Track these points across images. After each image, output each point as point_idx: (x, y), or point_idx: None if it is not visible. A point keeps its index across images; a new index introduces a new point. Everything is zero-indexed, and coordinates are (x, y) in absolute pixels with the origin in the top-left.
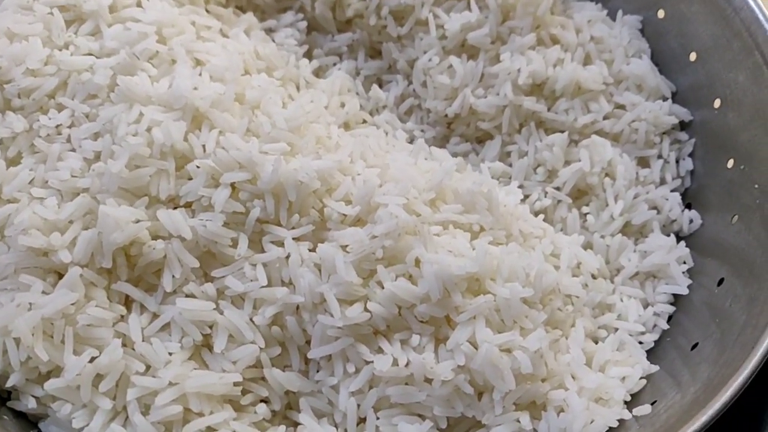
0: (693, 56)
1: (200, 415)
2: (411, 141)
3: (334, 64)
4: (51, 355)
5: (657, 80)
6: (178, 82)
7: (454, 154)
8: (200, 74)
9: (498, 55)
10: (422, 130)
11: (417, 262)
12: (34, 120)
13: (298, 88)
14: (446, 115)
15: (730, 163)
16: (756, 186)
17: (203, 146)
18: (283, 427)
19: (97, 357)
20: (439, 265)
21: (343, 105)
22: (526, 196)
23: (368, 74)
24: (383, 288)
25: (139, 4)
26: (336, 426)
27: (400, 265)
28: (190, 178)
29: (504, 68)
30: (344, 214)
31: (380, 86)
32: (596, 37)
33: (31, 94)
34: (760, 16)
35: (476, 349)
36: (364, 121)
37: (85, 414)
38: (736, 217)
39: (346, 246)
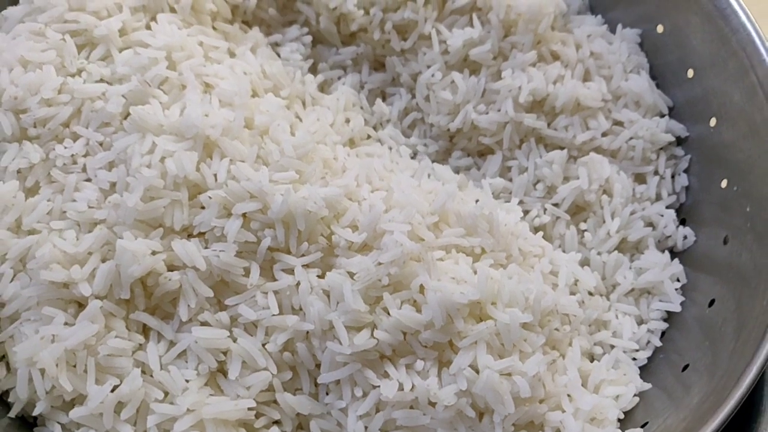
0: (690, 73)
1: None
2: (414, 155)
3: (339, 78)
4: (74, 385)
5: (654, 96)
6: (189, 111)
7: (456, 169)
8: (210, 99)
9: (500, 71)
10: (425, 144)
11: (421, 288)
12: (50, 149)
13: (304, 105)
14: (448, 130)
15: (724, 183)
16: (748, 208)
17: (215, 175)
18: None
19: (118, 385)
20: (442, 293)
21: (348, 121)
22: (526, 212)
23: (372, 87)
24: (389, 315)
25: (148, 27)
26: None
27: (405, 292)
28: (203, 207)
29: (505, 85)
30: (351, 241)
31: (384, 99)
32: (596, 53)
33: (46, 123)
34: (756, 39)
35: (477, 373)
36: (369, 137)
37: None
38: (728, 236)
39: (354, 273)
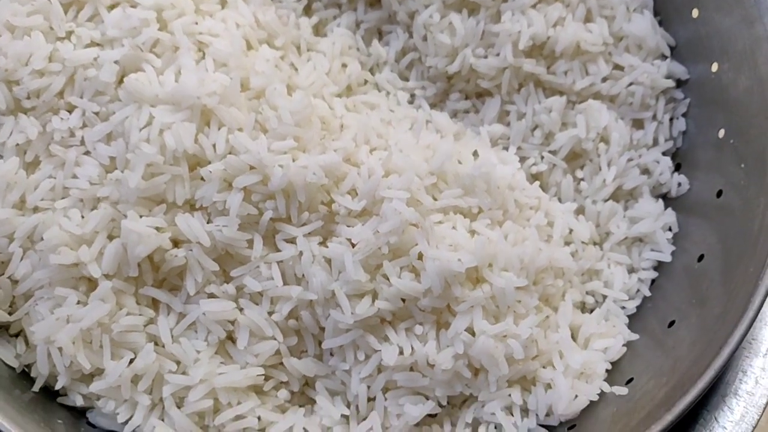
0: (695, 12)
1: (229, 405)
2: (412, 99)
3: (334, 18)
4: (92, 361)
5: (657, 38)
6: (184, 79)
7: (454, 112)
8: (204, 61)
9: (499, 13)
10: (423, 87)
11: (420, 256)
12: (47, 121)
13: (299, 50)
14: (446, 72)
15: (721, 133)
16: (742, 165)
17: (213, 146)
18: (301, 409)
19: (133, 359)
20: (440, 261)
21: (344, 66)
22: (523, 160)
23: (368, 26)
24: (389, 283)
25: None
26: (348, 404)
27: (404, 258)
28: (203, 178)
29: (505, 29)
30: (351, 209)
31: (380, 38)
32: None
33: (40, 94)
34: None
35: (473, 336)
36: (366, 82)
37: (127, 408)
38: (722, 191)
39: (354, 243)
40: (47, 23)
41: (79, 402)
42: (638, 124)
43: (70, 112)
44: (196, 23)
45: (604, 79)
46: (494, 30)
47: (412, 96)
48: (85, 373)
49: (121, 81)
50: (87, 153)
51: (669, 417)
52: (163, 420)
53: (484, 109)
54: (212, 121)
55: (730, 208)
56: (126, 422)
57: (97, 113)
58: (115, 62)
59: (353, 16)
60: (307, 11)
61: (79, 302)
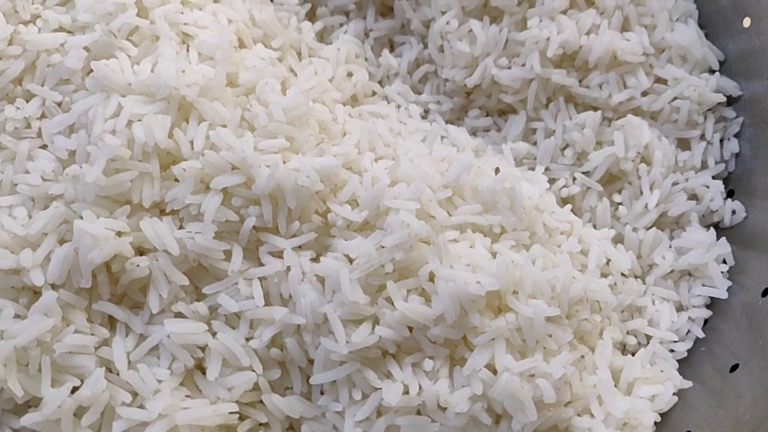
0: (747, 22)
1: None
2: (426, 114)
3: (341, 25)
4: (27, 387)
5: (703, 50)
6: (161, 67)
7: (473, 129)
8: (187, 50)
9: (525, 20)
10: (438, 102)
11: (431, 276)
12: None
13: (299, 57)
14: (465, 86)
15: None
16: None
17: (191, 143)
18: None
19: (78, 387)
20: (455, 282)
21: (350, 75)
22: (552, 182)
23: (378, 36)
24: (393, 306)
25: None
26: None
27: (412, 279)
28: (176, 180)
29: (531, 36)
30: (350, 220)
31: (392, 49)
32: None
33: None
34: None
35: (495, 374)
36: (374, 93)
37: None
38: None
39: (352, 258)
40: (11, 4)
41: None
42: (684, 144)
43: (27, 101)
44: (182, 13)
45: (645, 94)
46: (519, 38)
47: (426, 112)
48: (18, 403)
49: (90, 71)
50: (44, 147)
51: None
52: None
53: (507, 127)
54: (191, 117)
55: None
56: None
57: (59, 104)
58: (85, 48)
59: (362, 24)
60: (311, 17)
61: (17, 316)
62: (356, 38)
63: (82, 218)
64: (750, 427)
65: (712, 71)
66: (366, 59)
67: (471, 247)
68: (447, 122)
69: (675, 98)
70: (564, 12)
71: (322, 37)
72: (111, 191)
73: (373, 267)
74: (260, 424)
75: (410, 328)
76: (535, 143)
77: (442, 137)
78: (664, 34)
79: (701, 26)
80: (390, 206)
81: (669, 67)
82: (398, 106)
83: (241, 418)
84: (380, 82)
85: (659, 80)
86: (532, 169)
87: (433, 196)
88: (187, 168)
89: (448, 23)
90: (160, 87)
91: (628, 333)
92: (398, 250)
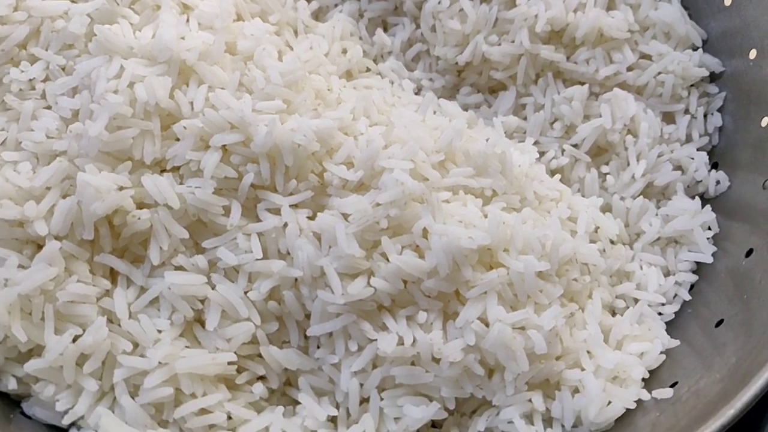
0: (728, 0)
1: (193, 396)
2: (419, 91)
3: (336, 5)
4: (30, 335)
5: (687, 27)
6: (163, 31)
7: (465, 106)
8: (187, 21)
9: None
10: (431, 79)
11: (425, 232)
12: (4, 73)
13: (296, 34)
14: (456, 63)
15: (764, 122)
16: None
17: (191, 104)
18: (280, 408)
19: (80, 336)
20: (448, 237)
21: (345, 51)
22: (542, 154)
23: (372, 16)
24: (388, 261)
25: None
26: (337, 406)
27: (406, 236)
28: (177, 139)
29: (520, 14)
30: (346, 179)
31: (385, 30)
32: None
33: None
34: None
35: (487, 327)
36: (368, 70)
37: (70, 395)
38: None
39: (348, 215)
40: None
41: (12, 386)
42: (669, 117)
43: (32, 64)
44: None
45: (630, 69)
46: (508, 16)
47: (419, 89)
48: (21, 351)
49: (92, 37)
50: (48, 108)
51: (731, 412)
52: (113, 411)
53: (498, 102)
54: (191, 80)
55: None
56: (66, 412)
57: (62, 68)
58: (88, 15)
59: (356, 5)
60: None
61: (21, 266)
62: (351, 18)
63: (85, 172)
64: (743, 362)
65: (695, 48)
66: (360, 38)
67: (464, 206)
68: (439, 98)
69: (659, 73)
70: None
71: (318, 17)
72: (113, 147)
73: (369, 222)
74: (258, 377)
75: (405, 282)
76: (524, 118)
77: (434, 111)
78: (649, 12)
79: (685, 6)
80: (385, 166)
81: (653, 43)
82: (392, 82)
83: (239, 370)
84: (374, 60)
85: (644, 56)
86: (522, 141)
87: (426, 159)
88: (188, 126)
89: (439, 3)
90: (161, 50)
91: (617, 297)
92: (393, 206)
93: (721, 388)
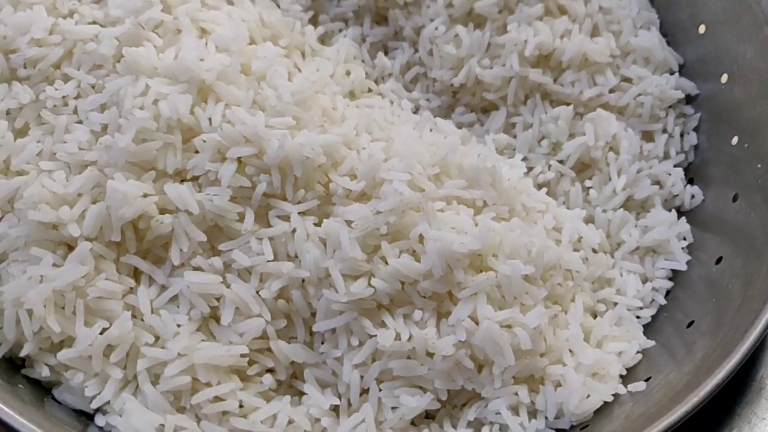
0: (702, 28)
1: (208, 385)
2: (416, 110)
3: (340, 30)
4: (63, 326)
5: (664, 53)
6: (184, 53)
7: (459, 125)
8: (206, 44)
9: (505, 25)
10: (428, 99)
11: (421, 238)
12: (40, 90)
13: (303, 56)
14: (452, 85)
15: (735, 140)
16: (759, 165)
17: (209, 119)
18: (288, 397)
19: (107, 328)
20: (442, 242)
21: (348, 73)
22: (530, 169)
23: (374, 41)
24: (387, 264)
25: None
26: (339, 396)
27: (403, 241)
28: (197, 151)
29: (511, 39)
30: (349, 189)
31: (386, 53)
32: (605, 8)
33: (36, 64)
34: None
35: (477, 324)
36: (370, 90)
37: (97, 383)
38: (738, 194)
39: (351, 222)
40: (51, 0)
41: (45, 373)
42: (648, 136)
43: (65, 83)
44: (201, 11)
45: (612, 91)
46: (500, 41)
47: (417, 109)
48: (54, 342)
49: (120, 58)
50: (79, 122)
51: (695, 399)
52: (136, 398)
53: (489, 121)
54: (210, 98)
55: (747, 209)
56: (94, 398)
57: (93, 86)
58: (116, 38)
59: (359, 30)
60: (314, 23)
61: (54, 265)
62: (354, 42)
63: (114, 180)
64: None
65: (672, 72)
66: (363, 61)
67: (457, 215)
68: (435, 117)
69: (639, 95)
70: (540, 18)
71: (323, 41)
72: (139, 158)
73: (370, 228)
74: (267, 370)
75: (402, 283)
76: (514, 136)
77: (431, 129)
78: (629, 38)
79: (663, 34)
80: (385, 177)
81: (634, 68)
82: (391, 102)
83: (250, 363)
84: (376, 81)
85: (625, 79)
86: (512, 157)
87: (423, 171)
88: (207, 139)
89: (436, 29)
90: (183, 71)
91: (598, 301)
92: (392, 214)
93: (688, 380)
